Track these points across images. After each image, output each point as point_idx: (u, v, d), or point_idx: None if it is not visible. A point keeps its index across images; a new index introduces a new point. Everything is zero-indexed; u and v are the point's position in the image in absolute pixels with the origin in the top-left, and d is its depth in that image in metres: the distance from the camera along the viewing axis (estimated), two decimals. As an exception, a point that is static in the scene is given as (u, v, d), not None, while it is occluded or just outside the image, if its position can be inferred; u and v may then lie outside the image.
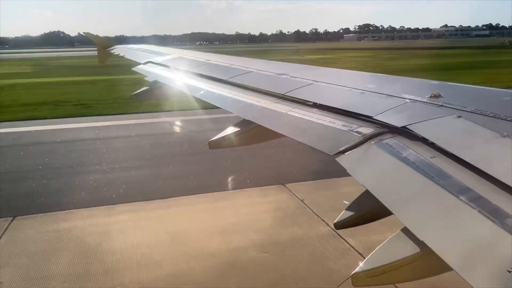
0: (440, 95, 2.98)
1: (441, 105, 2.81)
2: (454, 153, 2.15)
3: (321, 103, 3.56)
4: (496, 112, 2.48)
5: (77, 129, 20.34)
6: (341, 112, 3.23)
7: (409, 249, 1.86)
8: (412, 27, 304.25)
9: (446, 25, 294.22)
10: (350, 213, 2.53)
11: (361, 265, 1.91)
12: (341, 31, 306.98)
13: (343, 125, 2.95)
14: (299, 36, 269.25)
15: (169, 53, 9.23)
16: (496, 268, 1.46)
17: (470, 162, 2.02)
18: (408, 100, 3.05)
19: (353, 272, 1.90)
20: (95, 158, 15.14)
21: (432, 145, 2.33)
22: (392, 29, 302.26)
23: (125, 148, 16.73)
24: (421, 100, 3.00)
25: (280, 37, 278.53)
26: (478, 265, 1.52)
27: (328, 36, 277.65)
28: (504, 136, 2.15)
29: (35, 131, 19.72)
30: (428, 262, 1.79)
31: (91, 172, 13.60)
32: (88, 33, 15.11)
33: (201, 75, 6.02)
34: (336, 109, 3.30)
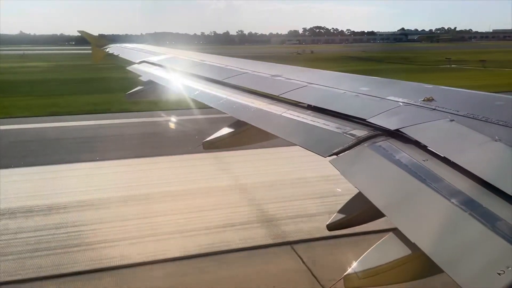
0: (433, 99, 3.01)
1: (434, 109, 2.84)
2: (446, 156, 2.17)
3: (315, 105, 3.57)
4: (488, 116, 2.50)
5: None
6: (335, 114, 3.25)
7: (401, 251, 1.88)
8: (358, 30, 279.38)
9: (403, 29, 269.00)
10: (342, 215, 2.55)
11: (353, 267, 1.92)
12: (293, 32, 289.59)
13: (337, 127, 2.96)
14: (227, 38, 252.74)
15: (164, 53, 9.22)
16: (487, 270, 1.48)
17: (462, 165, 2.04)
18: (401, 104, 3.07)
19: (345, 273, 1.91)
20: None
21: (424, 148, 2.35)
22: (338, 32, 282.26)
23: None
24: (414, 103, 3.03)
25: (213, 38, 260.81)
26: (469, 267, 1.54)
27: (255, 39, 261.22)
28: (495, 140, 2.17)
29: None
30: (419, 264, 1.81)
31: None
32: (83, 31, 15.02)
33: (196, 76, 6.02)
34: (330, 111, 3.32)
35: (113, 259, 8.05)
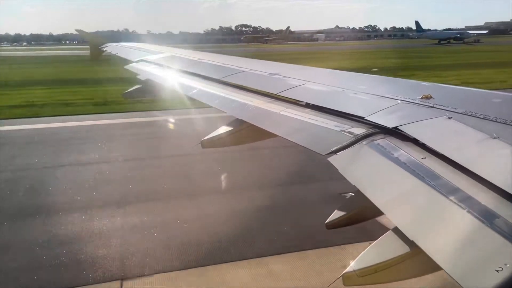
0: (431, 97, 3.01)
1: (432, 106, 2.84)
2: (444, 154, 2.17)
3: (313, 103, 3.57)
4: (486, 113, 2.51)
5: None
6: (333, 112, 3.24)
7: (399, 248, 1.88)
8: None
9: (348, 27, 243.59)
10: (341, 213, 2.55)
11: (352, 265, 1.92)
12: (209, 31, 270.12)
13: (336, 126, 2.96)
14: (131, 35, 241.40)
15: (161, 52, 9.19)
16: (485, 267, 1.48)
17: (460, 163, 2.04)
18: (399, 101, 3.07)
19: (344, 272, 1.91)
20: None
21: (423, 146, 2.35)
22: (259, 31, 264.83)
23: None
24: (412, 101, 3.03)
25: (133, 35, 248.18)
26: (467, 264, 1.54)
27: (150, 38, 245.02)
28: (493, 138, 2.18)
29: None
30: (418, 261, 1.81)
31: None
32: (80, 30, 14.96)
33: (194, 74, 6.01)
34: (329, 110, 3.32)
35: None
